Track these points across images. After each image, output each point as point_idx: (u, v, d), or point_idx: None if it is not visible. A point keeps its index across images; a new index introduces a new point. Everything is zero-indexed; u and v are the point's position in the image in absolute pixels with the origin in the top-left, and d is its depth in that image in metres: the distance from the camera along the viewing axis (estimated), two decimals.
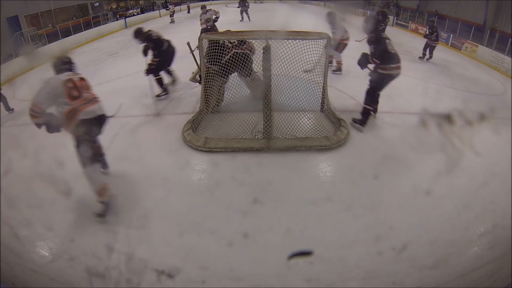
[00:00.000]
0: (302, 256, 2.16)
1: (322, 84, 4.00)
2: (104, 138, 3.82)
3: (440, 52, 8.86)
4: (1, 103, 4.94)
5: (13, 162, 3.07)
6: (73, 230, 2.48)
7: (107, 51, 8.96)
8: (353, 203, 2.75)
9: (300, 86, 3.87)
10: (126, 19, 14.50)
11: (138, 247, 2.22)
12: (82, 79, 2.66)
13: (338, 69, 5.68)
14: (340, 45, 5.41)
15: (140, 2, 20.19)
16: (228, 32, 4.32)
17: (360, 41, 3.91)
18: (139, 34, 4.66)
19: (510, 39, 7.77)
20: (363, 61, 3.87)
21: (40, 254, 2.31)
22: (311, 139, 3.55)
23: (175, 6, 15.10)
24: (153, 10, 18.29)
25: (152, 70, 4.65)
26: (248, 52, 3.94)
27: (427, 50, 7.55)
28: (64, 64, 2.72)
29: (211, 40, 3.90)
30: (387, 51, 3.69)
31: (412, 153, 3.26)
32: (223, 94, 4.22)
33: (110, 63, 7.57)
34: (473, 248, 2.38)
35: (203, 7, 8.80)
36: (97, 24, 13.67)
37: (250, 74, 4.05)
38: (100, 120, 2.64)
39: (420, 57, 7.66)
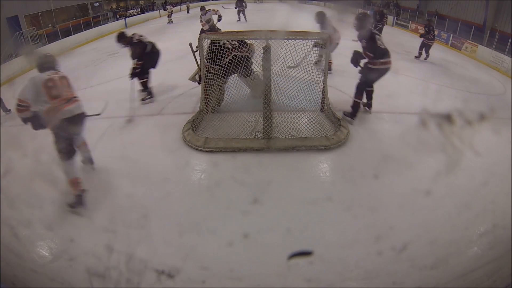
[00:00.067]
0: (302, 256, 2.16)
1: (322, 84, 4.00)
2: (105, 138, 3.86)
3: (440, 52, 8.87)
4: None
5: (13, 162, 3.07)
6: (73, 230, 2.47)
7: (107, 51, 8.94)
8: (353, 203, 2.75)
9: (300, 86, 3.87)
10: (126, 19, 14.49)
11: (138, 247, 2.22)
12: (63, 77, 2.75)
13: (329, 69, 5.60)
14: (331, 45, 5.38)
15: (140, 2, 20.21)
16: (228, 32, 4.32)
17: (357, 41, 3.95)
18: (121, 38, 4.62)
19: (510, 39, 7.77)
20: (355, 59, 3.97)
21: (40, 254, 2.31)
22: (311, 139, 3.55)
23: (173, 7, 15.09)
24: (153, 10, 18.30)
25: (136, 73, 4.60)
26: (248, 54, 3.95)
27: (423, 49, 7.53)
28: (47, 63, 2.80)
29: (213, 41, 3.90)
30: (377, 47, 3.79)
31: (412, 153, 3.26)
32: (223, 94, 4.23)
33: (110, 63, 7.56)
34: (473, 248, 2.38)
35: (202, 8, 8.80)
36: (97, 24, 13.67)
37: (250, 74, 4.05)
38: (78, 119, 2.75)
39: (416, 56, 7.65)
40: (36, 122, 2.67)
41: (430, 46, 7.47)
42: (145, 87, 4.76)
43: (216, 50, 3.82)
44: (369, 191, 2.89)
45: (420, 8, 14.05)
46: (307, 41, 3.72)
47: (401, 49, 8.19)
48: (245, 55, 3.91)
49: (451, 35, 9.93)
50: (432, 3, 13.45)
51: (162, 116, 4.39)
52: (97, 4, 16.38)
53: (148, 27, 13.50)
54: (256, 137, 3.61)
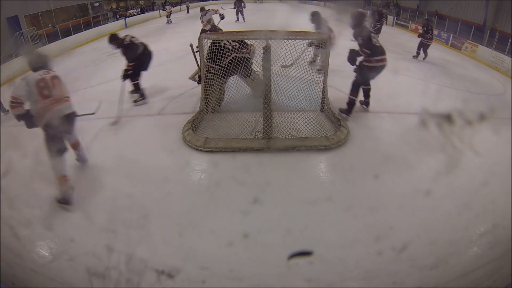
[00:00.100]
0: (302, 256, 2.16)
1: (322, 84, 4.00)
2: (105, 138, 3.86)
3: (440, 52, 8.87)
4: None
5: (13, 162, 3.07)
6: (73, 230, 2.47)
7: (107, 51, 8.90)
8: (353, 203, 2.75)
9: (300, 86, 3.87)
10: (126, 19, 14.49)
11: (138, 247, 2.22)
12: (55, 77, 2.82)
13: (323, 68, 5.58)
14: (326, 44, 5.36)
15: (140, 2, 20.20)
16: (228, 32, 4.32)
17: (354, 40, 3.99)
18: (113, 40, 4.61)
19: (510, 39, 7.77)
20: (352, 57, 4.02)
21: (40, 254, 2.31)
22: (311, 139, 3.55)
23: (171, 7, 15.07)
24: (153, 10, 18.29)
25: (128, 75, 4.57)
26: (248, 55, 3.95)
27: (421, 49, 7.51)
28: (39, 62, 2.87)
29: (214, 41, 3.90)
30: (372, 44, 3.85)
31: (412, 153, 3.26)
32: (223, 94, 4.23)
33: (110, 63, 7.54)
34: (473, 248, 2.38)
35: (202, 9, 8.80)
36: (97, 24, 13.66)
37: (250, 75, 4.05)
38: (68, 119, 2.82)
39: (414, 56, 7.64)
40: (29, 120, 2.73)
41: (428, 45, 7.45)
42: (137, 88, 4.72)
43: (217, 51, 3.82)
44: (369, 191, 2.89)
45: (420, 8, 14.05)
46: (307, 41, 3.73)
47: (401, 49, 8.19)
48: (245, 57, 3.91)
49: (451, 35, 9.93)
50: (432, 3, 13.45)
51: (162, 116, 4.39)
52: (97, 4, 16.38)
53: (148, 27, 13.50)
54: (256, 137, 3.61)
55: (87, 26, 12.67)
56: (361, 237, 2.39)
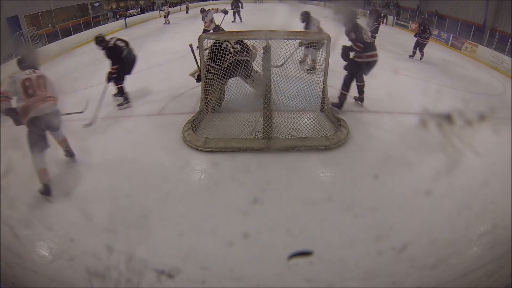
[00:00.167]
0: (302, 256, 2.16)
1: (322, 84, 4.00)
2: (104, 138, 3.86)
3: (440, 52, 8.87)
4: None
5: (13, 162, 3.07)
6: (73, 230, 2.47)
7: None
8: (353, 203, 2.75)
9: (300, 86, 3.87)
10: (126, 19, 14.48)
11: (138, 247, 2.22)
12: (40, 77, 2.96)
13: (312, 68, 5.44)
14: (318, 44, 5.35)
15: (140, 2, 20.19)
16: (228, 32, 4.32)
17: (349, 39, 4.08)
18: (98, 41, 4.57)
19: (510, 39, 7.77)
20: (345, 53, 4.13)
21: (40, 254, 2.31)
22: (311, 139, 3.55)
23: (169, 7, 15.03)
24: (153, 10, 18.28)
25: (112, 78, 4.53)
26: (249, 58, 3.96)
27: (417, 48, 7.48)
28: (27, 61, 3.04)
29: (216, 43, 3.90)
30: (363, 40, 3.99)
31: (412, 153, 3.26)
32: (224, 94, 4.23)
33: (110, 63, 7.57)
34: (473, 248, 2.38)
35: (202, 10, 8.81)
36: (97, 24, 13.66)
37: (250, 76, 4.05)
38: (49, 117, 2.93)
39: (410, 56, 7.63)
40: (15, 117, 2.83)
41: (425, 45, 7.42)
42: (121, 92, 4.65)
43: (218, 52, 3.82)
44: (369, 191, 2.89)
45: (420, 8, 14.05)
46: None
47: (401, 49, 8.19)
48: (246, 59, 3.91)
49: (451, 35, 9.93)
50: (432, 3, 13.45)
51: (162, 116, 4.39)
52: (97, 4, 16.37)
53: (148, 27, 13.50)
54: (256, 137, 3.61)
55: (87, 26, 12.67)
56: (361, 237, 2.39)
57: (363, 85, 4.40)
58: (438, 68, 7.15)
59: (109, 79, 4.51)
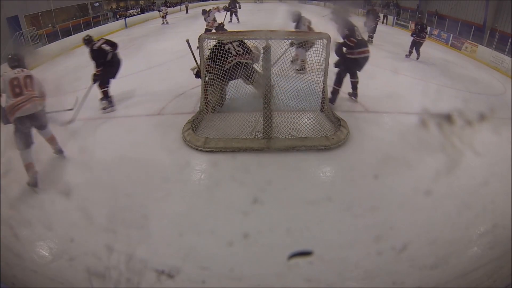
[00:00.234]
0: (302, 256, 2.15)
1: (322, 84, 4.00)
2: (105, 138, 3.86)
3: (440, 52, 8.87)
4: None
5: (13, 162, 3.07)
6: (73, 230, 2.47)
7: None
8: (353, 203, 2.75)
9: (300, 86, 3.87)
10: (126, 19, 14.47)
11: (138, 247, 2.22)
12: (27, 77, 3.05)
13: (302, 68, 5.37)
14: (307, 44, 5.36)
15: (140, 2, 20.18)
16: (228, 32, 4.32)
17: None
18: (85, 42, 4.58)
19: (510, 39, 7.77)
20: (339, 49, 4.24)
21: (40, 254, 2.31)
22: (311, 139, 3.55)
23: (167, 8, 15.00)
24: (153, 10, 18.27)
25: (98, 79, 4.53)
26: (251, 61, 3.96)
27: (414, 48, 7.44)
28: (16, 61, 3.13)
29: (218, 44, 3.90)
30: (355, 37, 4.13)
31: (412, 153, 3.26)
32: (225, 95, 4.23)
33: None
34: (473, 248, 2.38)
35: (203, 11, 8.86)
36: (97, 24, 13.65)
37: (252, 78, 4.05)
38: (34, 117, 3.03)
39: (406, 55, 7.60)
40: (4, 116, 2.92)
41: (421, 44, 7.38)
42: (106, 96, 4.63)
43: (220, 53, 3.82)
44: (369, 191, 2.89)
45: (420, 8, 14.04)
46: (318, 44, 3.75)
47: (401, 49, 8.19)
48: (248, 62, 3.92)
49: (451, 35, 9.92)
50: (432, 3, 13.43)
51: (162, 116, 4.39)
52: (97, 4, 16.35)
53: (148, 27, 13.49)
54: (256, 137, 3.61)
55: (87, 26, 12.66)
56: (361, 237, 2.39)
57: (357, 82, 4.53)
58: (438, 68, 7.14)
59: (95, 80, 4.53)
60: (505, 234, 2.33)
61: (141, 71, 6.25)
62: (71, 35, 11.09)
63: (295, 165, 3.28)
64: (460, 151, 2.98)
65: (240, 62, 3.87)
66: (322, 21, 5.43)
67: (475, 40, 9.06)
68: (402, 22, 13.01)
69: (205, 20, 8.62)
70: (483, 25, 10.53)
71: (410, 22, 12.32)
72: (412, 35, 7.45)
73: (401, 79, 6.00)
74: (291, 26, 5.44)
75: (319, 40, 3.79)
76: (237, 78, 4.02)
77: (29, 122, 3.00)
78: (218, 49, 3.86)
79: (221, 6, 8.73)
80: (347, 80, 4.49)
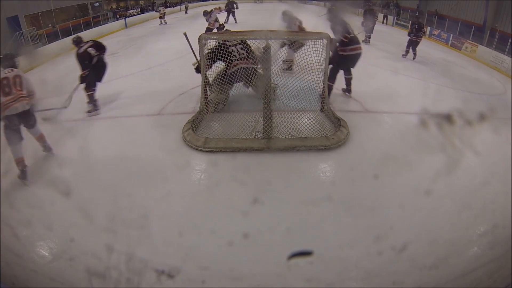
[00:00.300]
0: (302, 256, 2.15)
1: (322, 84, 4.00)
2: (105, 138, 3.86)
3: (440, 52, 8.87)
4: None
5: (13, 162, 3.07)
6: (73, 230, 2.47)
7: (107, 51, 8.95)
8: (353, 203, 2.75)
9: (300, 86, 3.87)
10: (126, 19, 14.45)
11: (138, 247, 2.22)
12: (16, 76, 3.13)
13: (289, 68, 5.20)
14: (295, 44, 5.10)
15: (140, 2, 20.18)
16: (228, 32, 4.32)
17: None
18: (74, 42, 4.61)
19: (510, 39, 7.77)
20: (332, 46, 4.27)
21: (40, 254, 2.31)
22: (311, 139, 3.55)
23: (165, 8, 14.99)
24: (153, 10, 18.27)
25: (85, 80, 4.51)
26: (254, 66, 3.95)
27: (410, 47, 7.40)
28: (6, 60, 3.22)
29: (220, 44, 3.89)
30: (348, 34, 4.25)
31: (412, 153, 3.26)
32: (228, 96, 4.23)
33: (110, 63, 7.54)
34: (473, 248, 2.38)
35: (205, 13, 8.89)
36: (97, 24, 13.65)
37: (253, 82, 4.05)
38: (23, 115, 3.12)
39: (403, 55, 7.57)
40: None
41: (418, 43, 7.34)
42: (91, 99, 4.59)
43: (222, 54, 3.82)
44: (369, 191, 2.89)
45: (420, 8, 14.03)
46: (318, 43, 3.74)
47: (401, 49, 8.18)
48: (251, 67, 3.91)
49: (451, 35, 9.92)
50: (432, 3, 13.43)
51: (162, 116, 4.38)
52: (97, 4, 16.35)
53: (148, 27, 13.49)
54: (256, 137, 3.61)
55: (87, 26, 12.66)
56: (361, 237, 2.39)
57: (351, 78, 4.65)
58: (438, 68, 7.14)
59: (82, 81, 4.54)
60: (505, 234, 2.33)
61: (141, 71, 6.26)
62: (71, 35, 11.03)
63: (295, 165, 3.28)
64: (460, 151, 2.98)
65: (243, 67, 3.87)
66: (320, 21, 5.41)
67: (475, 40, 9.06)
68: (402, 22, 12.99)
69: (207, 21, 8.66)
70: (483, 25, 10.52)
71: (410, 22, 12.32)
72: (409, 35, 7.39)
73: (401, 79, 6.00)
74: (282, 26, 5.43)
75: (319, 40, 3.79)
76: (239, 82, 4.02)
77: (17, 120, 3.10)
78: (220, 49, 3.85)
79: (222, 6, 8.75)
80: (341, 76, 4.61)
